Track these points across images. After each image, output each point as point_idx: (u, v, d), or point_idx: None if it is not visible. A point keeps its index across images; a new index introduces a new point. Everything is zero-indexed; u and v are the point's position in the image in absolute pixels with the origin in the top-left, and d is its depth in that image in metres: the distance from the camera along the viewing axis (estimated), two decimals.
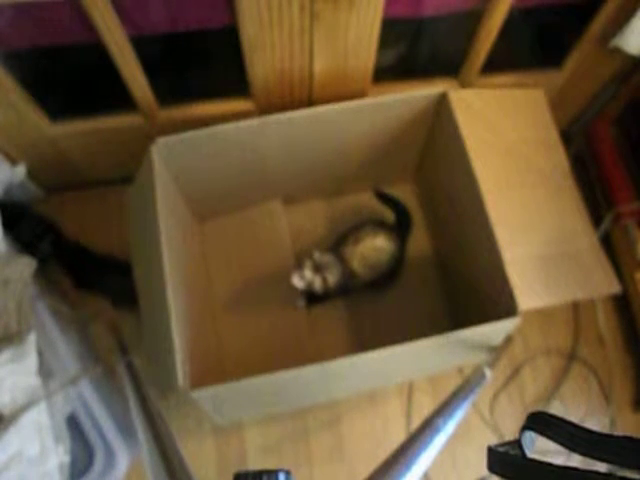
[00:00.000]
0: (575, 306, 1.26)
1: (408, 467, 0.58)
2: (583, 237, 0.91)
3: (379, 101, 0.93)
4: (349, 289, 1.11)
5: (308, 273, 1.01)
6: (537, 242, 0.88)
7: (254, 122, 0.90)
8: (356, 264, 1.07)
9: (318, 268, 1.02)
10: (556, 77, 1.07)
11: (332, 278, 1.03)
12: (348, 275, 1.07)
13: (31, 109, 0.95)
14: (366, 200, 1.27)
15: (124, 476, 0.94)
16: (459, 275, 1.11)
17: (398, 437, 1.14)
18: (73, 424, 0.90)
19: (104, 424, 0.93)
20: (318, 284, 1.02)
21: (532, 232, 0.88)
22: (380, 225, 1.12)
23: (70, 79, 1.04)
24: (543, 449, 0.38)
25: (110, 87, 0.92)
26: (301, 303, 1.14)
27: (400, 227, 1.19)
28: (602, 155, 1.23)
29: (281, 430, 1.13)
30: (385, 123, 1.00)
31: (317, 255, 1.03)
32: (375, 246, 1.08)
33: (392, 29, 0.89)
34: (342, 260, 1.07)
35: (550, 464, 0.31)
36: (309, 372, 0.79)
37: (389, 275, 1.14)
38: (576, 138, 1.31)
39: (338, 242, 1.11)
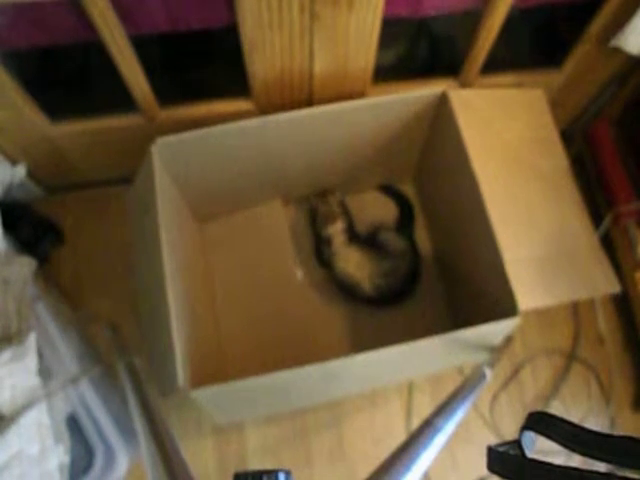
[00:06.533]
0: (575, 306, 1.26)
1: (408, 467, 0.58)
2: (583, 237, 0.91)
3: (379, 101, 0.93)
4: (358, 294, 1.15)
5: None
6: (537, 242, 0.88)
7: (254, 122, 0.90)
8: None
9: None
10: (556, 77, 1.07)
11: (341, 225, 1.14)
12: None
13: (31, 109, 0.95)
14: (366, 200, 1.27)
15: (124, 476, 0.94)
16: (459, 275, 1.11)
17: (398, 437, 1.13)
18: (73, 424, 0.90)
19: (104, 424, 0.93)
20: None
21: (532, 232, 0.88)
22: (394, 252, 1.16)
23: (70, 79, 1.04)
24: (543, 449, 0.38)
25: (110, 87, 0.92)
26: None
27: (404, 219, 1.22)
28: (602, 155, 1.23)
29: (281, 430, 1.13)
30: (385, 123, 1.00)
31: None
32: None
33: (392, 29, 0.89)
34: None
35: (550, 464, 0.31)
36: (309, 372, 0.79)
37: (407, 285, 1.18)
38: (576, 138, 1.30)
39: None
